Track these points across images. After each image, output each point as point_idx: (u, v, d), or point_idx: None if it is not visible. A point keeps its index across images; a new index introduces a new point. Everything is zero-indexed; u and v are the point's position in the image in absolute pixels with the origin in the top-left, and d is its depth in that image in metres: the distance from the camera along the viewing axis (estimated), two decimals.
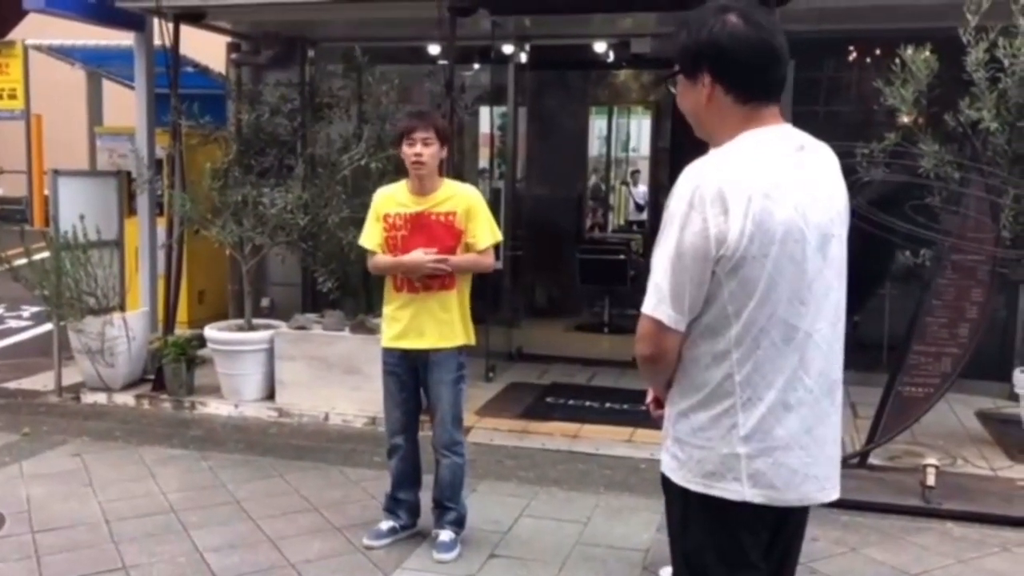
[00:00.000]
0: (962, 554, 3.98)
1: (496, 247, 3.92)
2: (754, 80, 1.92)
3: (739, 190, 1.81)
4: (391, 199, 3.89)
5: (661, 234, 1.90)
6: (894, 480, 4.58)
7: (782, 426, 1.90)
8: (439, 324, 3.79)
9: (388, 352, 3.89)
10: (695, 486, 1.95)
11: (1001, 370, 6.08)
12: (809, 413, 1.93)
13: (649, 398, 2.19)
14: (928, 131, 4.89)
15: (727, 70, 1.90)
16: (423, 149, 3.71)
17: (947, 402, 5.55)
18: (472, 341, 3.95)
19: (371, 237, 3.91)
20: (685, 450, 1.96)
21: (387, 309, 3.90)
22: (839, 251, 1.96)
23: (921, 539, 4.11)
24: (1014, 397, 5.69)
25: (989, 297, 4.79)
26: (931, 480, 4.34)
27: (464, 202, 3.80)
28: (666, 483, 2.04)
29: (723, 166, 1.86)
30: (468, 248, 3.82)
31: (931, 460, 4.44)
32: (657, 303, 1.89)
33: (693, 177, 1.86)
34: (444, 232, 3.77)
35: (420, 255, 3.72)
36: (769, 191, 1.83)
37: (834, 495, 2.00)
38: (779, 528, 2.03)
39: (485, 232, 3.82)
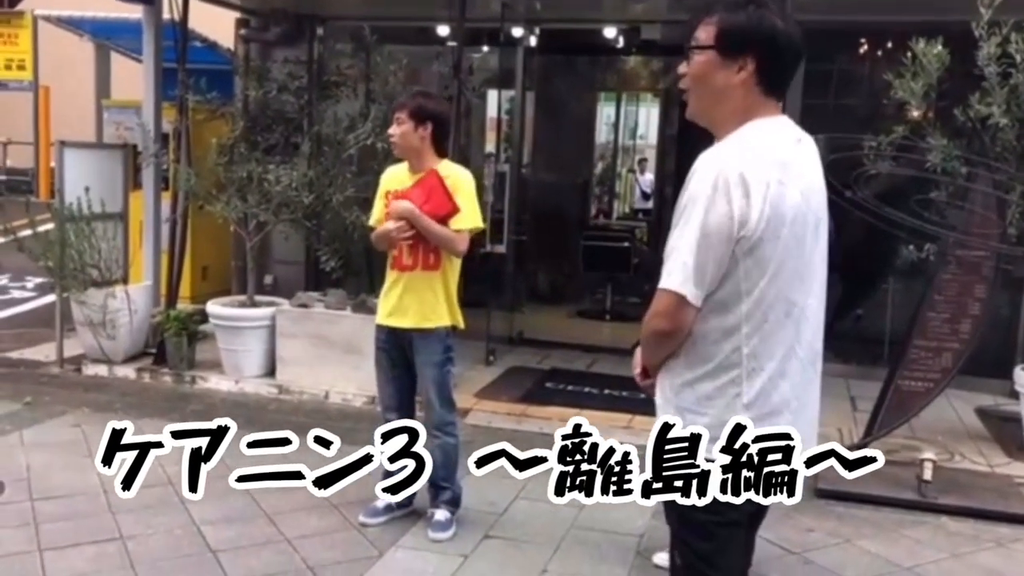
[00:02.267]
0: (956, 549, 3.99)
1: (476, 235, 3.96)
2: (785, 75, 2.05)
3: (759, 176, 1.92)
4: (394, 177, 3.98)
5: (681, 215, 1.98)
6: (890, 473, 4.57)
7: (777, 392, 2.02)
8: (422, 304, 3.83)
9: (379, 328, 3.96)
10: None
11: (1002, 367, 6.07)
12: (799, 381, 2.06)
13: (637, 369, 2.24)
14: (937, 125, 4.87)
15: (772, 61, 2.00)
16: (394, 128, 3.83)
17: (947, 398, 5.55)
18: (459, 323, 3.97)
19: (374, 214, 4.02)
20: (688, 418, 2.05)
21: (384, 286, 3.97)
22: (825, 232, 2.11)
23: (915, 533, 4.12)
24: (1014, 395, 5.67)
25: (992, 294, 4.77)
26: (928, 474, 4.35)
27: (453, 181, 3.83)
28: None
29: (743, 153, 1.95)
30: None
31: (928, 454, 4.45)
32: (684, 280, 1.95)
33: (715, 162, 1.95)
34: (441, 195, 3.78)
35: (400, 207, 3.75)
36: (782, 178, 1.95)
37: (810, 452, 2.11)
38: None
39: (464, 214, 3.82)
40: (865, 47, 6.82)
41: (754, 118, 2.01)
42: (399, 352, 3.92)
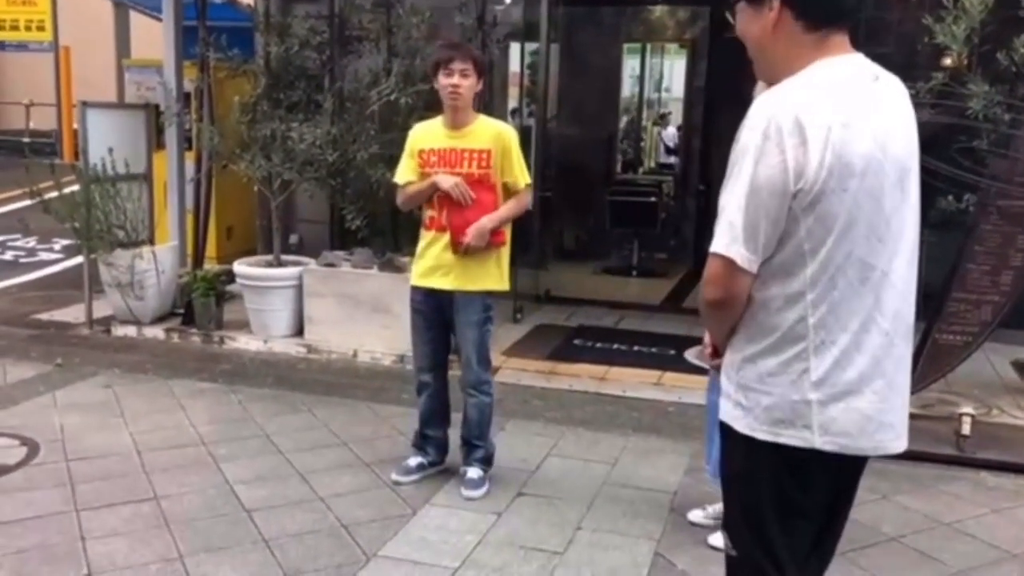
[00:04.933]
0: (996, 504, 3.93)
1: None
2: (824, 3, 1.82)
3: (818, 119, 1.71)
4: (426, 134, 3.82)
5: (731, 169, 1.80)
6: (927, 428, 4.50)
7: (853, 367, 1.81)
8: (466, 267, 3.72)
9: (415, 290, 3.87)
10: (762, 434, 1.86)
11: None
12: (884, 356, 1.84)
13: (707, 348, 2.09)
14: (978, 71, 4.70)
15: None
16: (460, 80, 3.62)
17: (982, 351, 5.40)
18: (505, 286, 3.89)
19: (402, 172, 3.86)
20: (751, 397, 1.87)
21: (419, 246, 3.86)
22: (915, 186, 1.86)
23: (954, 488, 4.06)
24: None
25: None
26: (966, 429, 4.28)
27: (500, 140, 3.71)
28: (727, 432, 1.96)
29: (799, 94, 1.75)
30: (506, 189, 3.75)
31: (967, 409, 4.37)
32: (731, 242, 1.77)
33: (767, 106, 1.76)
34: (483, 193, 3.69)
35: (447, 181, 3.64)
36: (848, 121, 1.73)
37: (905, 444, 1.93)
38: (840, 476, 1.97)
39: (520, 171, 3.75)
40: None
41: (819, 59, 1.80)
42: (437, 313, 3.84)
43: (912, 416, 1.97)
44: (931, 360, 4.72)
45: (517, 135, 3.82)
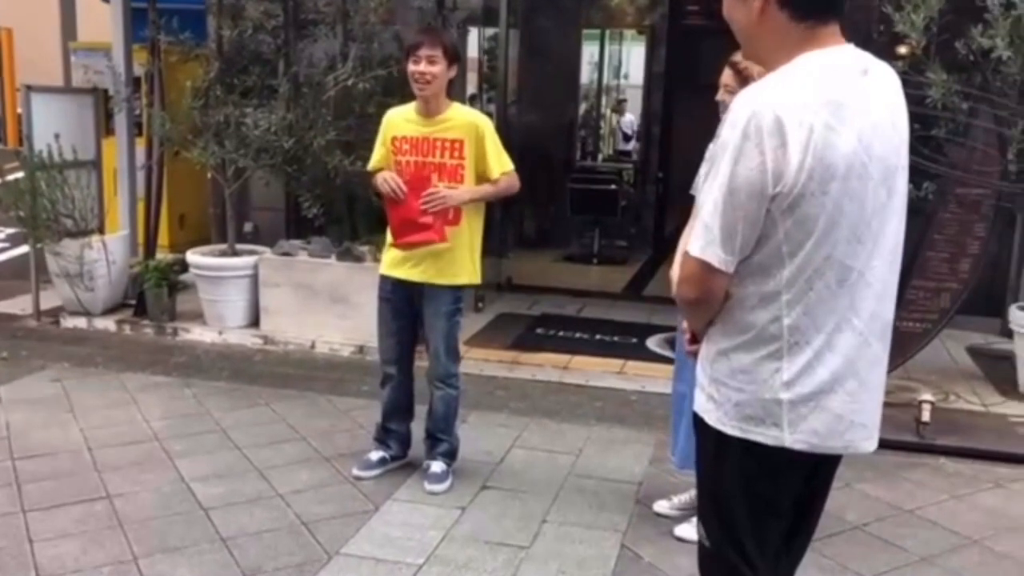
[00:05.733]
0: (956, 490, 3.97)
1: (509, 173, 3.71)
2: None
3: (799, 119, 1.65)
4: (399, 121, 3.71)
5: (711, 166, 1.75)
6: (888, 415, 4.43)
7: (826, 367, 1.78)
8: (437, 257, 3.63)
9: (384, 279, 3.77)
10: (731, 429, 1.84)
11: (991, 306, 6.04)
12: (858, 357, 1.81)
13: (686, 334, 2.06)
14: (936, 59, 4.73)
15: None
16: (428, 67, 3.51)
17: (939, 338, 5.50)
18: (477, 280, 3.81)
19: (373, 159, 3.79)
20: (722, 391, 1.85)
21: (390, 236, 3.76)
22: (902, 184, 1.82)
23: (915, 475, 4.10)
24: (1005, 333, 5.66)
25: (992, 232, 4.70)
26: (926, 416, 4.32)
27: (474, 130, 3.60)
28: (700, 423, 1.94)
29: (781, 92, 1.69)
30: (479, 180, 3.65)
31: (927, 396, 4.41)
32: (706, 244, 1.73)
33: (748, 103, 1.69)
34: (453, 169, 3.59)
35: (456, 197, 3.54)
36: (831, 121, 1.67)
37: (876, 443, 1.91)
38: (813, 475, 1.94)
39: (496, 160, 3.64)
40: None
41: (807, 50, 1.73)
42: (405, 304, 3.75)
43: None
44: (892, 347, 4.76)
45: (492, 124, 3.72)
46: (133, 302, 6.18)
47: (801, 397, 1.79)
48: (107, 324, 6.05)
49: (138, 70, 6.68)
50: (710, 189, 1.74)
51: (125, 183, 6.63)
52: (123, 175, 6.63)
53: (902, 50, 4.89)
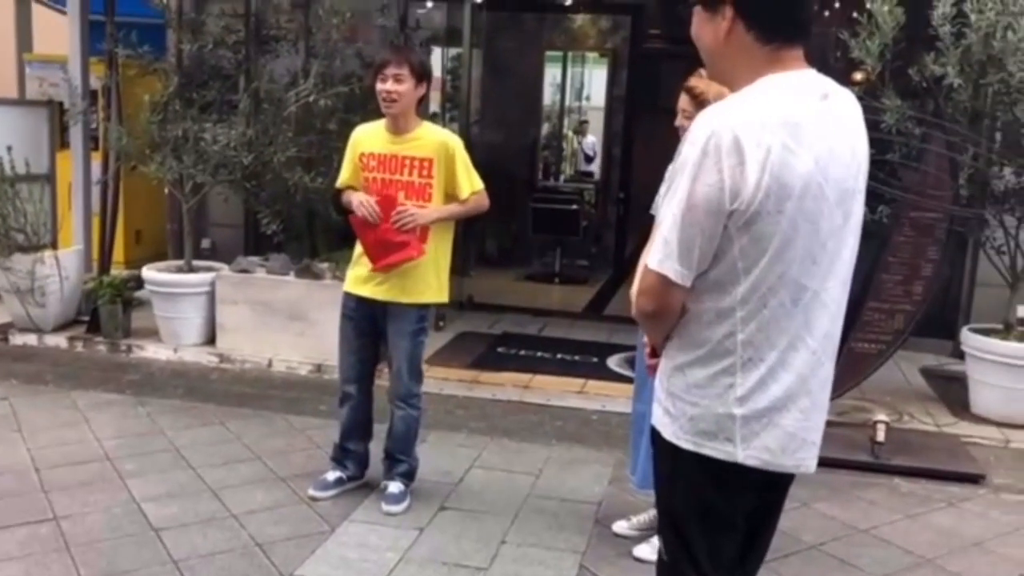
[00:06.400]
0: (910, 509, 4.01)
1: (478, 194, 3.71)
2: (780, 17, 1.78)
3: (757, 140, 1.67)
4: (367, 137, 3.68)
5: (671, 183, 1.77)
6: (843, 435, 4.59)
7: (778, 385, 1.80)
8: (403, 276, 3.59)
9: (347, 296, 3.73)
10: (685, 443, 1.86)
11: (943, 328, 6.16)
12: (811, 375, 1.83)
13: (647, 348, 2.06)
14: (891, 85, 4.84)
15: (751, 3, 1.76)
16: (395, 86, 3.49)
17: (893, 359, 5.59)
18: (444, 298, 3.76)
19: (341, 175, 3.75)
20: (677, 405, 1.87)
21: (356, 252, 3.71)
22: (858, 207, 1.84)
23: (870, 494, 4.14)
24: (956, 354, 5.76)
25: (944, 255, 4.80)
26: (881, 436, 4.37)
27: (444, 149, 3.58)
28: (656, 437, 1.95)
29: (741, 112, 1.71)
30: (449, 199, 3.64)
31: (881, 416, 4.47)
32: (664, 258, 1.75)
33: (709, 122, 1.72)
34: (421, 188, 3.58)
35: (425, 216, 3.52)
36: (789, 143, 1.69)
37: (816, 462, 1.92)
38: (766, 492, 1.95)
39: (466, 179, 3.63)
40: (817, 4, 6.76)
41: (770, 72, 1.76)
42: (368, 322, 3.71)
43: (828, 423, 1.98)
44: (847, 368, 4.82)
45: (463, 144, 3.71)
46: (86, 319, 6.06)
47: (755, 412, 1.80)
48: (58, 341, 5.92)
49: (95, 83, 6.59)
50: (670, 205, 1.76)
51: (80, 197, 6.51)
52: (78, 189, 6.51)
53: (858, 76, 5.00)
